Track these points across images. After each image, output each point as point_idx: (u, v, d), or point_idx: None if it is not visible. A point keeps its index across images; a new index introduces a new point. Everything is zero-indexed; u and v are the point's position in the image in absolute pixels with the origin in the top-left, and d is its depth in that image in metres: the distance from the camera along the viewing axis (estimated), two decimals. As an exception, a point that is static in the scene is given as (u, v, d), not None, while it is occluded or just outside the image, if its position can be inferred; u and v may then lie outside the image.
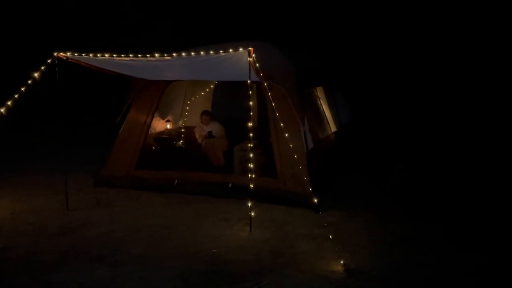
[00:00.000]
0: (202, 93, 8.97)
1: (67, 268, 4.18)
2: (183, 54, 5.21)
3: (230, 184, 6.53)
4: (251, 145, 5.34)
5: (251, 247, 4.71)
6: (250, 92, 5.21)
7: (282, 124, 6.31)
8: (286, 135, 6.29)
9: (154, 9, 15.99)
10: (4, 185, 7.07)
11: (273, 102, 6.48)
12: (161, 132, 8.22)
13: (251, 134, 5.29)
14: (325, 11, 15.49)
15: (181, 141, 8.43)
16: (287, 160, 6.27)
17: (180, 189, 6.73)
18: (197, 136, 8.23)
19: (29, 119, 12.34)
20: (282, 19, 15.61)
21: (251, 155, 5.37)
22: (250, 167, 5.32)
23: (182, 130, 8.82)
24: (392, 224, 5.42)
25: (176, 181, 6.81)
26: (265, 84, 6.21)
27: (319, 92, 8.08)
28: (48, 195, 6.55)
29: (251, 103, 5.26)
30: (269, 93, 5.44)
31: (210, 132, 7.89)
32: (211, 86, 9.13)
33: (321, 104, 8.03)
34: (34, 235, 4.99)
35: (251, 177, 5.28)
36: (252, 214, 5.22)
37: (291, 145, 6.25)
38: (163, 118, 8.29)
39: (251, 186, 5.27)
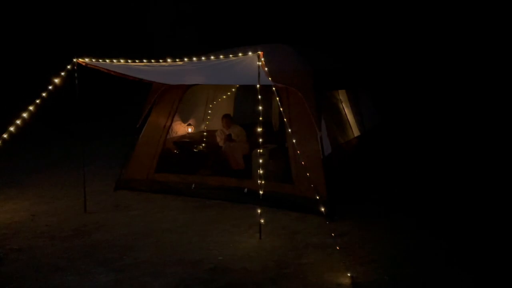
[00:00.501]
0: (224, 97, 8.96)
1: (73, 271, 4.25)
2: (194, 59, 5.18)
3: (246, 190, 6.46)
4: (261, 150, 5.23)
5: (258, 256, 4.61)
6: (259, 96, 5.09)
7: (298, 129, 6.27)
8: (302, 140, 6.19)
9: (179, 16, 16.25)
10: (29, 187, 7.34)
11: (290, 106, 6.43)
12: (183, 136, 8.27)
13: (260, 140, 5.18)
14: (355, 11, 15.13)
15: (202, 145, 8.48)
16: (303, 166, 6.12)
17: (198, 193, 6.74)
18: (218, 140, 8.24)
19: (50, 123, 12.84)
20: (311, 21, 15.41)
21: (260, 160, 5.27)
22: (259, 173, 5.21)
23: (204, 133, 8.87)
24: (407, 236, 5.13)
25: (193, 185, 6.83)
26: (276, 87, 6.14)
27: (342, 95, 7.85)
28: (71, 197, 6.74)
29: (260, 108, 5.14)
30: (277, 97, 5.31)
31: (229, 136, 7.86)
32: (233, 89, 9.11)
33: (343, 107, 7.80)
34: (49, 237, 5.13)
35: (260, 183, 5.18)
36: (262, 221, 5.11)
37: (307, 150, 6.13)
38: (184, 122, 8.35)
39: (261, 192, 5.16)
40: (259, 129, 5.17)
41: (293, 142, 6.21)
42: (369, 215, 5.84)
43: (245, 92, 9.14)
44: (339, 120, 7.46)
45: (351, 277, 4.07)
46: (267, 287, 3.96)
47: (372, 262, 4.44)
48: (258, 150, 5.23)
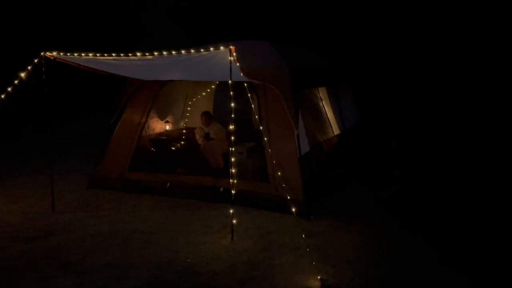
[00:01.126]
0: (204, 94, 8.78)
1: (33, 274, 4.04)
2: (165, 53, 4.99)
3: (221, 189, 6.29)
4: (233, 149, 5.06)
5: (228, 257, 4.45)
6: (231, 93, 4.92)
7: (274, 127, 6.12)
8: (279, 138, 6.04)
9: (165, 10, 16.01)
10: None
11: (267, 103, 6.27)
12: (160, 133, 8.06)
13: (232, 138, 5.01)
14: (342, 10, 15.05)
15: (181, 142, 8.28)
16: (279, 164, 5.97)
17: (172, 193, 6.55)
18: (197, 138, 8.04)
19: (18, 120, 12.49)
20: (297, 19, 15.31)
21: (232, 159, 5.10)
22: (231, 172, 5.05)
23: (184, 131, 8.67)
24: (384, 237, 5.01)
25: (168, 184, 6.63)
26: (253, 83, 6.00)
27: (322, 93, 7.73)
28: (40, 197, 6.48)
29: (232, 104, 4.97)
30: (249, 94, 5.14)
31: (207, 134, 7.68)
32: (213, 86, 8.92)
33: (323, 105, 7.68)
34: (11, 238, 4.90)
35: (232, 182, 5.02)
36: (234, 221, 4.95)
37: (283, 149, 5.99)
38: (162, 119, 8.14)
39: (233, 192, 5.00)
40: (231, 127, 5.00)
41: (269, 140, 6.12)
42: (346, 215, 5.71)
43: (225, 89, 8.93)
44: (318, 118, 7.33)
45: (321, 279, 3.93)
46: (234, 291, 3.80)
47: (344, 263, 4.31)
48: (231, 149, 5.06)
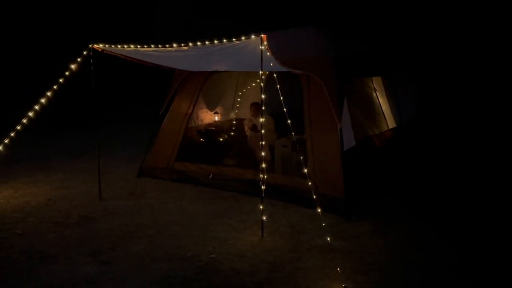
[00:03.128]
0: (254, 84, 8.59)
1: (61, 261, 4.20)
2: (199, 43, 4.89)
3: (261, 182, 6.10)
4: (263, 142, 4.83)
5: (253, 256, 4.27)
6: (262, 84, 4.69)
7: (317, 119, 5.78)
8: (321, 131, 5.70)
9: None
10: (56, 172, 7.52)
11: (310, 94, 5.95)
12: (209, 124, 8.06)
13: (263, 131, 4.79)
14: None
15: (231, 133, 8.22)
16: (321, 159, 5.65)
17: (215, 184, 6.52)
18: (245, 129, 7.93)
19: (69, 110, 13.19)
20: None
21: (262, 153, 4.87)
22: (262, 166, 4.83)
23: (234, 122, 8.60)
24: (426, 246, 4.49)
25: (211, 176, 6.61)
26: (295, 73, 5.69)
27: (376, 83, 7.18)
28: (92, 183, 6.77)
29: (263, 96, 4.74)
30: (278, 86, 4.85)
31: (254, 125, 7.52)
32: (263, 76, 8.69)
33: (377, 96, 7.14)
34: (54, 223, 5.16)
35: (262, 177, 4.80)
36: (264, 218, 4.75)
37: (325, 143, 5.64)
38: (211, 110, 8.13)
39: (263, 187, 4.78)
40: (261, 119, 4.78)
41: (310, 133, 5.80)
42: (388, 217, 5.24)
43: (278, 79, 8.70)
44: (370, 110, 6.84)
45: (345, 287, 3.60)
46: (251, 292, 3.62)
47: (376, 271, 3.92)
48: (261, 142, 4.82)
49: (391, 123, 7.18)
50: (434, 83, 9.88)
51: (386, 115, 7.13)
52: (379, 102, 7.10)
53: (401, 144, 7.09)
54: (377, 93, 7.12)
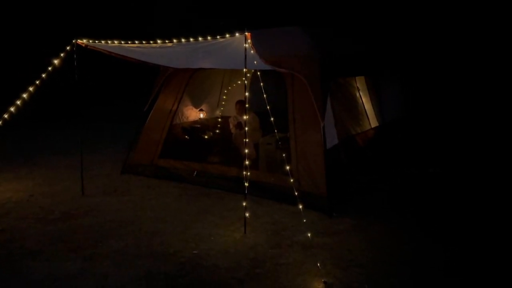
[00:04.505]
0: (239, 82, 8.62)
1: (43, 257, 4.18)
2: (183, 40, 4.90)
3: (244, 180, 6.14)
4: (246, 140, 4.87)
5: (235, 252, 4.31)
6: (246, 82, 4.73)
7: (300, 117, 5.83)
8: (304, 129, 5.76)
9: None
10: (39, 168, 7.45)
11: (294, 92, 6.00)
12: (194, 122, 8.07)
13: (246, 129, 4.83)
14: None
15: (216, 131, 8.23)
16: (304, 157, 5.72)
17: (199, 181, 6.54)
18: (231, 127, 7.95)
19: (52, 106, 13.05)
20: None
21: (246, 151, 4.91)
22: (245, 164, 4.87)
23: (219, 119, 8.62)
24: (407, 243, 4.57)
25: (195, 173, 6.62)
26: (279, 72, 5.75)
27: (360, 82, 7.28)
28: (74, 180, 6.71)
29: (246, 94, 4.78)
30: (262, 83, 4.91)
31: (239, 123, 7.55)
32: (248, 75, 8.72)
33: (360, 96, 7.23)
34: (36, 219, 5.12)
35: (245, 174, 4.85)
36: (247, 215, 4.80)
37: (308, 141, 5.70)
38: (197, 107, 8.13)
39: (246, 184, 4.83)
40: (245, 117, 4.83)
41: (294, 131, 5.86)
42: (371, 214, 5.33)
43: (263, 77, 8.74)
44: (353, 109, 6.92)
45: (325, 282, 3.67)
46: (232, 288, 3.66)
47: (356, 267, 4.00)
48: (244, 140, 4.87)
49: (373, 122, 7.28)
50: (419, 83, 10.00)
51: (369, 115, 7.24)
52: (362, 102, 7.20)
53: (383, 143, 7.20)
54: (360, 93, 7.21)
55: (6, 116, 5.99)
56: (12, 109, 5.99)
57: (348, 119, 6.62)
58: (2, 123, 6.00)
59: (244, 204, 4.77)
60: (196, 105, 8.11)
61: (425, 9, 13.20)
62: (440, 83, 11.46)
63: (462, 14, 12.58)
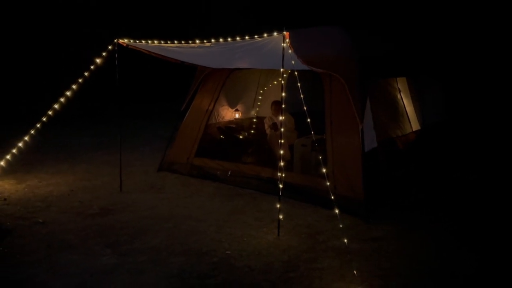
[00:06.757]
0: (275, 82, 8.56)
1: (80, 250, 4.28)
2: (221, 40, 4.90)
3: (279, 181, 6.07)
4: (282, 141, 4.80)
5: (268, 254, 4.26)
6: (283, 82, 4.66)
7: (338, 119, 5.70)
8: (342, 131, 5.62)
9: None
10: (80, 164, 7.68)
11: (332, 94, 5.88)
12: (229, 122, 8.08)
13: (282, 129, 4.76)
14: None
15: (251, 131, 8.22)
16: (341, 160, 5.58)
17: (233, 181, 6.53)
18: (266, 127, 7.91)
19: (94, 104, 13.43)
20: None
21: (281, 152, 4.84)
22: (280, 165, 4.80)
23: (254, 120, 8.60)
24: (448, 252, 4.37)
25: (229, 172, 6.62)
26: (317, 72, 5.65)
27: (401, 84, 7.03)
28: (113, 176, 6.86)
29: (283, 94, 4.71)
30: (299, 83, 4.80)
31: (274, 124, 7.49)
32: (285, 75, 8.65)
33: (401, 97, 6.99)
34: (75, 213, 5.27)
35: (280, 175, 4.78)
36: (281, 217, 4.72)
37: (346, 144, 5.57)
38: (232, 107, 8.15)
39: (280, 186, 4.76)
40: (281, 118, 4.75)
41: (331, 133, 5.74)
42: (410, 221, 5.13)
43: (300, 78, 8.64)
44: (393, 111, 6.70)
45: (361, 291, 3.55)
46: (264, 291, 3.60)
47: (394, 276, 3.85)
48: (280, 141, 4.79)
49: (415, 125, 7.02)
50: (461, 86, 9.56)
51: (410, 117, 6.98)
52: (404, 104, 6.96)
53: (425, 148, 6.93)
54: (402, 94, 6.97)
55: (50, 112, 6.22)
56: (56, 106, 6.22)
57: (389, 121, 6.41)
58: (46, 119, 6.24)
59: (278, 205, 4.70)
60: (232, 105, 8.13)
61: (468, 11, 12.65)
62: (482, 86, 10.92)
63: (505, 15, 11.96)
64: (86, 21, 15.46)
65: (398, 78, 6.95)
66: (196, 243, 4.50)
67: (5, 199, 5.70)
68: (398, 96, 6.94)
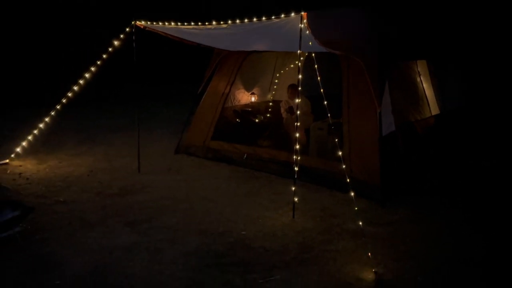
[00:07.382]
0: (292, 66, 8.49)
1: (100, 229, 4.40)
2: (238, 21, 4.87)
3: (294, 164, 6.08)
4: (298, 124, 4.79)
5: (283, 236, 4.30)
6: (300, 64, 4.62)
7: (356, 102, 5.65)
8: (359, 115, 5.58)
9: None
10: (100, 145, 7.80)
11: (349, 76, 5.81)
12: (245, 105, 8.08)
13: (298, 112, 4.74)
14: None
15: (267, 115, 8.21)
16: (357, 143, 5.55)
17: (249, 164, 6.57)
18: (282, 111, 7.89)
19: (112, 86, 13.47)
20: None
21: (297, 135, 4.83)
22: (295, 148, 4.80)
23: (270, 103, 8.58)
24: (464, 236, 4.35)
25: (245, 156, 6.65)
26: (336, 54, 5.57)
27: (421, 67, 6.90)
28: (132, 157, 6.93)
29: (300, 76, 4.68)
30: (316, 65, 4.76)
31: (290, 108, 7.47)
32: (301, 58, 8.57)
33: (421, 81, 6.87)
34: (95, 193, 5.40)
35: (295, 158, 4.78)
36: (296, 199, 4.75)
37: (363, 127, 5.52)
38: (248, 91, 8.13)
39: (296, 169, 4.76)
40: (297, 101, 4.73)
41: (348, 117, 5.70)
42: (426, 206, 5.10)
43: (317, 60, 8.55)
44: (412, 95, 6.60)
45: (375, 272, 3.56)
46: (279, 271, 3.65)
47: (409, 259, 3.85)
48: (296, 124, 4.78)
49: (434, 109, 6.91)
50: (481, 73, 9.31)
51: (429, 101, 6.87)
52: (423, 87, 6.84)
53: (443, 133, 6.82)
54: (422, 78, 6.85)
55: (69, 94, 6.33)
56: (75, 87, 6.32)
57: (408, 105, 6.33)
58: (66, 101, 6.36)
59: (293, 188, 4.72)
60: (248, 88, 8.12)
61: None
62: (503, 74, 10.59)
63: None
64: (86, 21, 15.52)
65: (418, 61, 6.82)
66: (212, 223, 4.57)
67: (27, 179, 5.86)
68: (418, 79, 6.82)
